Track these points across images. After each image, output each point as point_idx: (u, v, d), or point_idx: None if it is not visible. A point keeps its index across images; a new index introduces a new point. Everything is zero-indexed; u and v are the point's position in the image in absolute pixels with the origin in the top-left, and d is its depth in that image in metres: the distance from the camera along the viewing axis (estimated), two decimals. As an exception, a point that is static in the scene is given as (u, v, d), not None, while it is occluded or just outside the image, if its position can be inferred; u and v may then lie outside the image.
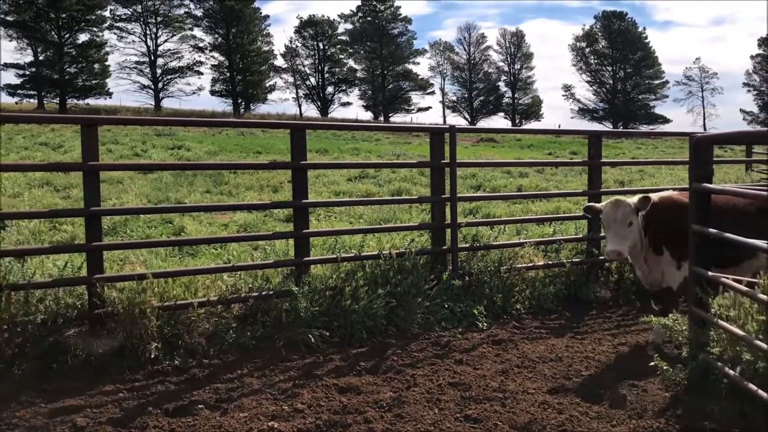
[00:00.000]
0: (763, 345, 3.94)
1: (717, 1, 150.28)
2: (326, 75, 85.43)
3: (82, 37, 66.61)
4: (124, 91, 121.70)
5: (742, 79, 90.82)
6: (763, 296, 4.03)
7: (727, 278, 4.54)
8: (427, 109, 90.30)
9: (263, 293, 6.21)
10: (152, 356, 5.47)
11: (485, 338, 6.36)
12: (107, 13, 69.86)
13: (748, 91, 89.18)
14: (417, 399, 4.82)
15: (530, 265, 7.75)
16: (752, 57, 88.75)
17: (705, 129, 78.38)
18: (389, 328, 6.41)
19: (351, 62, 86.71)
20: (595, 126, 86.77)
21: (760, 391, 3.90)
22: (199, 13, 75.94)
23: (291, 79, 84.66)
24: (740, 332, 4.20)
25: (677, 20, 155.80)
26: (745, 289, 4.22)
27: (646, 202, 5.72)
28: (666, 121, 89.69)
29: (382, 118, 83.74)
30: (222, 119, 36.50)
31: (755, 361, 4.13)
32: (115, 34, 71.44)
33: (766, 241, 4.18)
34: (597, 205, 6.11)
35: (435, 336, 6.38)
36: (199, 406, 4.75)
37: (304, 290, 6.17)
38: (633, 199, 5.81)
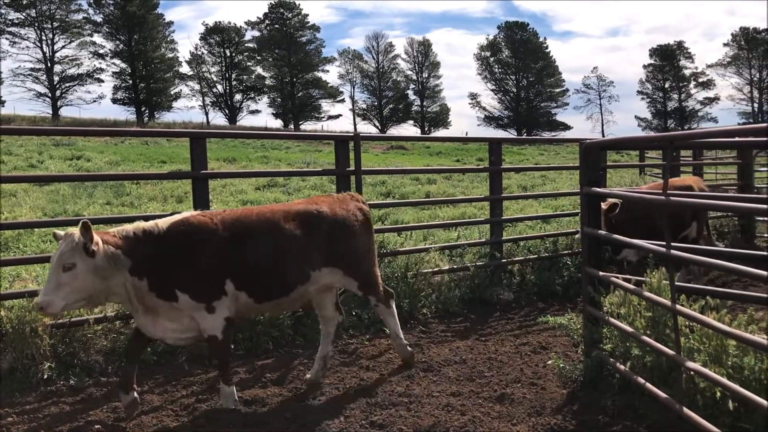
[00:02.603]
0: (651, 340, 4.15)
1: (612, 8, 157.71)
2: (234, 82, 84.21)
3: (-31, 42, 63.10)
4: (19, 100, 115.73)
5: (637, 87, 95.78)
6: (649, 294, 4.25)
7: (617, 277, 4.76)
8: (337, 116, 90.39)
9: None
10: (45, 377, 5.23)
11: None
12: (-3, 17, 66.34)
13: (642, 98, 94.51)
14: (323, 407, 4.80)
15: (436, 270, 7.87)
16: (644, 66, 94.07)
17: (603, 135, 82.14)
18: (296, 338, 6.37)
19: (259, 69, 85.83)
20: (500, 133, 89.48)
21: (648, 384, 4.11)
22: (98, 18, 73.40)
23: (197, 87, 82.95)
24: (629, 329, 4.41)
25: (575, 31, 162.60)
26: (633, 287, 4.43)
27: (87, 233, 4.21)
28: (567, 127, 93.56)
29: (292, 126, 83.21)
30: (118, 128, 35.24)
31: (643, 356, 4.34)
32: (6, 39, 67.85)
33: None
34: (59, 232, 4.46)
35: (342, 344, 6.38)
36: (96, 426, 4.55)
37: (207, 302, 6.01)
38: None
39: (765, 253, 8.80)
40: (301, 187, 18.57)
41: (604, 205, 7.41)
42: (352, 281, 5.31)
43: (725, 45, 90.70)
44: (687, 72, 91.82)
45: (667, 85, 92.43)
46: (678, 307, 3.80)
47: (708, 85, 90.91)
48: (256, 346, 6.09)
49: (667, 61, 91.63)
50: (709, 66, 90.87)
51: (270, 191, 17.93)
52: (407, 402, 4.88)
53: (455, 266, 8.08)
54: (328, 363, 5.52)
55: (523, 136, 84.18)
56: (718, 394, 3.71)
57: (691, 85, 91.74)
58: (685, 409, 3.64)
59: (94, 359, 5.54)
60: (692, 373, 3.72)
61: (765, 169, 15.66)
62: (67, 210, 13.73)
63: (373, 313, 6.87)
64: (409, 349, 5.71)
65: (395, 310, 5.64)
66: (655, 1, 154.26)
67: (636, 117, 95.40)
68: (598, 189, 4.94)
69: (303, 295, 5.10)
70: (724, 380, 3.46)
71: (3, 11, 66.85)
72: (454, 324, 7.17)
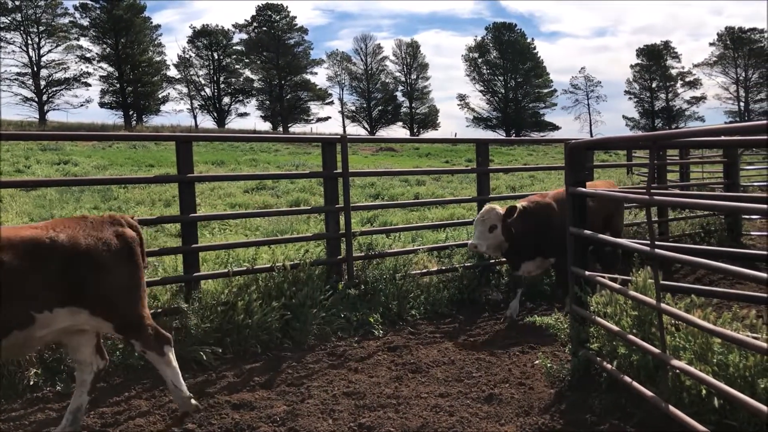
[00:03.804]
0: (636, 339, 4.17)
1: (599, 10, 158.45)
2: (222, 85, 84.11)
3: (-45, 47, 62.83)
4: (5, 104, 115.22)
5: (624, 87, 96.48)
6: (634, 293, 4.26)
7: (603, 277, 4.78)
8: (326, 119, 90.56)
9: (151, 311, 5.99)
10: (31, 383, 5.19)
11: (381, 345, 6.41)
12: (-18, 22, 66.06)
13: (630, 98, 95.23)
14: (311, 411, 4.79)
15: (425, 271, 7.89)
16: (632, 66, 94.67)
17: (592, 135, 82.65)
18: (285, 341, 6.34)
19: (247, 72, 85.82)
20: (489, 134, 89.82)
21: (634, 383, 4.13)
22: (85, 22, 73.18)
23: (185, 90, 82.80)
24: (615, 328, 4.42)
25: (563, 31, 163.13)
26: (619, 286, 4.44)
27: None
28: (555, 128, 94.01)
29: (281, 129, 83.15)
30: (104, 132, 34.86)
31: (630, 355, 4.36)
32: (-8, 43, 67.59)
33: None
34: None
35: (331, 346, 6.37)
36: (83, 432, 4.53)
37: (194, 307, 6.01)
38: None
39: (765, 252, 8.83)
40: (290, 190, 18.56)
41: (500, 210, 7.02)
42: (104, 323, 4.39)
43: (711, 45, 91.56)
44: (674, 72, 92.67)
45: (654, 85, 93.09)
46: (663, 305, 3.82)
47: (695, 84, 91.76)
48: (245, 350, 6.07)
49: (654, 60, 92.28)
50: (695, 65, 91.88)
51: (259, 194, 17.90)
52: (395, 404, 4.87)
53: (444, 267, 8.09)
54: (81, 419, 4.53)
55: (511, 137, 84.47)
56: (704, 391, 3.74)
57: (678, 85, 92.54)
58: (671, 407, 3.66)
59: (80, 365, 5.50)
60: (678, 371, 3.74)
61: (750, 167, 15.78)
62: (54, 215, 13.65)
63: (362, 315, 6.90)
64: (193, 402, 4.73)
65: (173, 356, 4.66)
66: (640, 2, 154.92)
67: (624, 117, 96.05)
68: (584, 189, 4.96)
69: (30, 339, 4.17)
70: (709, 378, 3.48)
71: (-12, 16, 66.54)
72: (443, 325, 7.17)
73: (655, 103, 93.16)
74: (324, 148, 7.50)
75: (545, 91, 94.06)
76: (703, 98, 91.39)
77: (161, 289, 6.41)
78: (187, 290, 6.35)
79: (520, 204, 7.16)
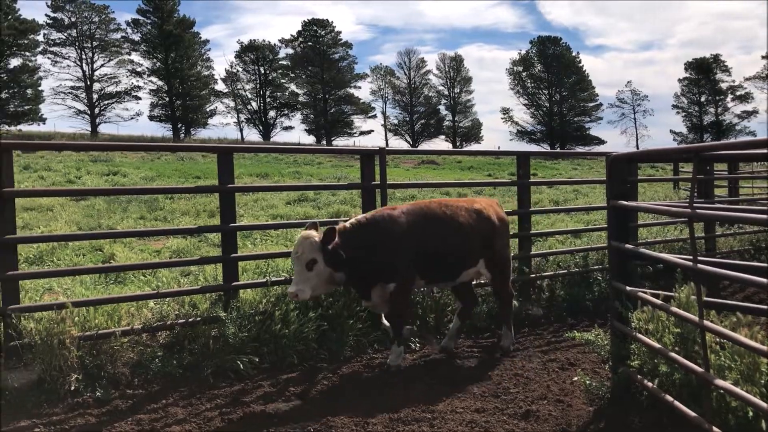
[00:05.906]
0: (678, 357, 4.04)
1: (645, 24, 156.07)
2: (268, 99, 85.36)
3: (14, 62, 65.46)
4: (59, 117, 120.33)
5: (672, 101, 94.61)
6: (676, 309, 4.14)
7: (645, 292, 4.65)
8: (369, 132, 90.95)
9: (190, 320, 6.07)
10: (72, 388, 5.26)
11: (417, 359, 6.35)
12: (40, 38, 68.81)
13: (677, 112, 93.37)
14: (345, 423, 4.76)
15: (463, 284, 7.80)
16: (680, 80, 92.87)
17: (638, 149, 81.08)
18: (321, 352, 6.34)
19: (293, 86, 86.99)
20: (533, 147, 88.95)
21: (676, 402, 4.00)
22: (136, 37, 75.34)
23: (232, 104, 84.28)
24: (657, 345, 4.30)
25: (608, 44, 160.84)
26: (661, 302, 4.32)
27: None
28: (601, 142, 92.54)
29: (324, 142, 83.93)
30: (143, 143, 35.57)
31: (672, 373, 4.23)
32: (48, 58, 70.39)
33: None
34: None
35: (367, 358, 6.34)
36: (121, 438, 4.59)
37: (232, 316, 6.05)
38: None
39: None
40: (331, 201, 18.69)
41: (316, 238, 5.58)
42: None
43: (764, 57, 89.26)
44: (724, 85, 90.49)
45: (703, 99, 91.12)
46: (706, 322, 3.69)
47: (746, 98, 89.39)
48: (281, 359, 6.08)
49: (703, 74, 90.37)
50: (746, 79, 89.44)
51: (300, 206, 18.04)
52: (430, 418, 4.81)
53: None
54: None
55: (554, 150, 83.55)
56: (751, 413, 3.59)
57: (728, 99, 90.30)
58: (716, 429, 3.53)
59: (120, 371, 5.59)
60: (722, 391, 3.61)
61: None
62: (102, 224, 13.98)
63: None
64: None
65: None
66: (689, 13, 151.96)
67: (671, 131, 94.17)
68: (625, 202, 4.85)
69: None
70: (756, 400, 3.34)
71: (46, 32, 69.08)
72: (481, 339, 7.09)
73: (703, 117, 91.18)
74: (362, 160, 7.53)
75: (591, 104, 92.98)
76: (754, 112, 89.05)
77: (200, 298, 6.47)
78: (225, 299, 6.41)
79: (350, 221, 5.99)
